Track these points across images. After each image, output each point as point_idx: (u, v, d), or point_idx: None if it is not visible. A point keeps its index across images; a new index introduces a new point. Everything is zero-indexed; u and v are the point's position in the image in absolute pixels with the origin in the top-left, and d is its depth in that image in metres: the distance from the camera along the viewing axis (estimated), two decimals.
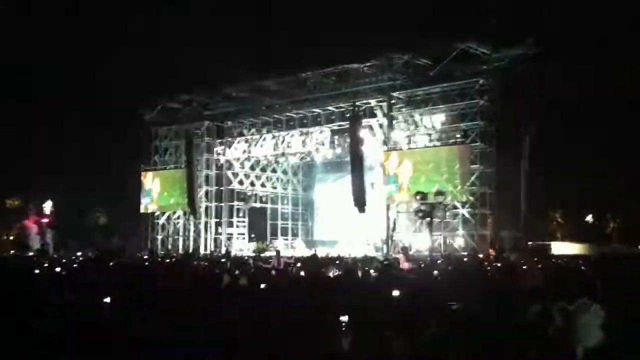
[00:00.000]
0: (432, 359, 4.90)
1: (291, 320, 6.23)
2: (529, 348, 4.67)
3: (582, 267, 15.66)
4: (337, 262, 18.66)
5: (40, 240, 39.24)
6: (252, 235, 42.27)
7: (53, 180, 40.58)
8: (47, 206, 42.17)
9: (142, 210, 44.54)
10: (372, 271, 13.61)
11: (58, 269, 14.19)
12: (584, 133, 32.67)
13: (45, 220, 41.53)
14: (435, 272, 13.74)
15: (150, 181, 44.27)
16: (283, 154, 40.62)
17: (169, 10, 40.80)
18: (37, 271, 12.99)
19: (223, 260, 25.08)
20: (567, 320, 4.40)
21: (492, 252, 29.27)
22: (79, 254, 28.72)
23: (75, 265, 16.43)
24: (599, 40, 31.52)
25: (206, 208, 43.07)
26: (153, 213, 44.73)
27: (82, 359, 5.27)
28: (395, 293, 8.59)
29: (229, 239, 42.24)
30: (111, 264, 13.10)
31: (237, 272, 13.14)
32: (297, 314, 6.55)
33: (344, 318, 6.02)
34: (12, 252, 36.81)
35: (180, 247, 42.41)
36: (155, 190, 43.91)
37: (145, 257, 29.29)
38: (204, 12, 42.22)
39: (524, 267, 14.82)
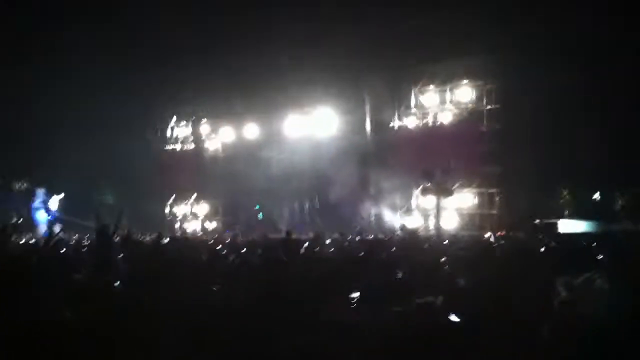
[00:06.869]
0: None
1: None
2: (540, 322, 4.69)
3: (589, 244, 15.61)
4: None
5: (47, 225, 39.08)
6: None
7: (60, 162, 40.13)
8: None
9: None
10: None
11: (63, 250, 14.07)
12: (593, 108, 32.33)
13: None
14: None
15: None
16: None
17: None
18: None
19: None
20: (571, 294, 4.44)
21: (499, 232, 29.22)
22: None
23: (84, 246, 16.45)
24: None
25: None
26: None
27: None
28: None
29: None
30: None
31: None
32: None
33: (355, 294, 6.06)
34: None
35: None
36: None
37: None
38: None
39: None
